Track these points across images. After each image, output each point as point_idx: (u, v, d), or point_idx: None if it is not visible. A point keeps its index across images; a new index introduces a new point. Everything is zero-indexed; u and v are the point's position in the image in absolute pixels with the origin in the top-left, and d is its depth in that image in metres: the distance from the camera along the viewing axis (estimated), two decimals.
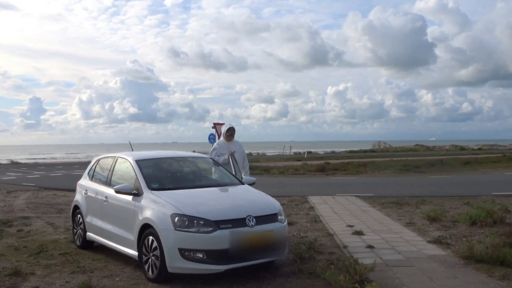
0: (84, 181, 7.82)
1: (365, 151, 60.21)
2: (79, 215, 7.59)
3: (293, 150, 59.37)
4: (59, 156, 69.03)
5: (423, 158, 33.97)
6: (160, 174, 6.73)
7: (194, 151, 10.43)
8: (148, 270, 5.58)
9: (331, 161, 30.51)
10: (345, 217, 9.72)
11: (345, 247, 7.00)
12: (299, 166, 25.80)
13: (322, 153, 57.31)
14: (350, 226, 8.62)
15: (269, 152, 67.66)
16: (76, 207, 7.73)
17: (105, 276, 5.86)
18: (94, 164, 7.85)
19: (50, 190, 16.61)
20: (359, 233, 7.89)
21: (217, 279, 5.52)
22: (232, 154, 7.78)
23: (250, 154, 51.95)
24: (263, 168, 25.05)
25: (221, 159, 7.90)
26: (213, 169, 7.25)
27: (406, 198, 12.85)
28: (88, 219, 7.28)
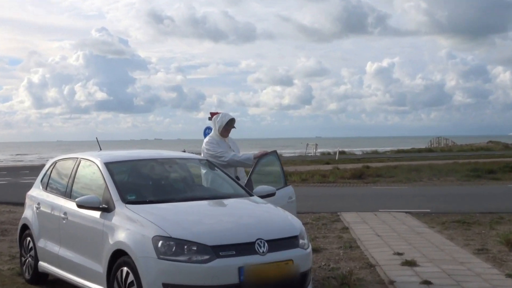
0: (36, 192, 7.87)
1: (419, 150, 59.93)
2: (28, 238, 7.64)
3: (320, 150, 59.30)
4: (2, 158, 69.72)
5: (499, 160, 33.74)
6: (138, 182, 6.74)
7: (184, 151, 10.46)
8: None
9: (372, 165, 30.42)
10: (392, 241, 9.70)
11: (392, 283, 7.00)
12: (328, 172, 25.76)
13: (360, 153, 57.16)
14: (398, 254, 8.61)
15: (287, 152, 67.59)
16: (25, 227, 7.78)
17: None
18: (49, 169, 7.90)
19: None
20: (411, 263, 7.88)
21: None
22: (261, 156, 7.67)
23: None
24: None
25: (241, 157, 7.61)
26: (210, 175, 7.26)
27: (476, 215, 12.79)
28: (41, 243, 7.32)
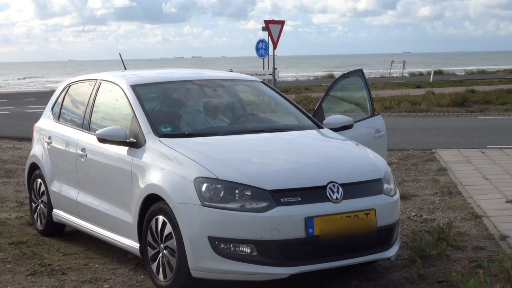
0: (46, 123, 8.07)
1: None
2: (39, 181, 7.90)
3: (408, 69, 58.42)
4: (1, 83, 71.61)
5: None
6: (174, 110, 6.82)
7: (231, 70, 10.53)
8: (158, 273, 5.77)
9: (478, 88, 29.85)
10: (504, 186, 9.69)
11: (505, 238, 7.02)
12: (420, 97, 25.44)
13: (462, 73, 56.02)
14: None
15: (365, 73, 66.00)
16: (34, 167, 8.04)
17: (86, 281, 6.11)
18: (61, 95, 8.06)
19: None
20: None
21: None
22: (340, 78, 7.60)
23: (330, 76, 51.73)
24: None
25: None
26: (265, 100, 7.26)
27: None
28: (55, 187, 7.56)
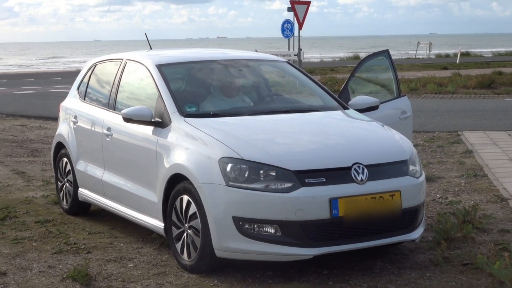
0: (72, 103, 8.12)
1: None
2: (65, 160, 7.96)
3: (435, 51, 57.97)
4: (28, 63, 72.20)
5: None
6: (200, 90, 6.83)
7: (256, 51, 10.52)
8: (182, 253, 5.81)
9: (505, 70, 29.53)
10: None
11: None
12: (446, 79, 25.27)
13: (489, 55, 55.45)
14: None
15: (391, 54, 65.63)
16: (60, 146, 8.10)
17: (111, 260, 6.17)
18: (87, 74, 8.09)
19: (16, 118, 17.50)
20: None
21: (298, 270, 5.66)
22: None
23: (356, 57, 51.43)
24: None
25: None
26: (291, 80, 7.24)
27: None
28: (81, 166, 7.62)
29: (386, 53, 7.68)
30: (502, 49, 68.46)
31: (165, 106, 6.23)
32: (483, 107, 18.00)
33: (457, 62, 41.24)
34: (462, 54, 47.87)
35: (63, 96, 8.91)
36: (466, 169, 9.71)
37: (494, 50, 67.96)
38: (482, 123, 14.64)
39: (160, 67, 6.67)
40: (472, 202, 7.82)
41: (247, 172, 5.36)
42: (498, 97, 20.99)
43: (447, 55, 52.84)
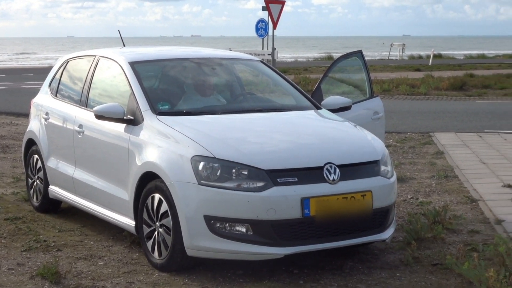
0: (44, 99, 8.04)
1: None
2: (36, 156, 7.89)
3: (408, 52, 58.34)
4: (0, 59, 71.42)
5: None
6: (172, 88, 6.81)
7: (230, 49, 10.51)
8: (153, 251, 5.78)
9: (477, 72, 29.84)
10: (501, 170, 9.69)
11: (500, 222, 7.04)
12: (419, 81, 25.43)
13: (461, 57, 55.91)
14: (509, 186, 8.65)
15: (365, 55, 65.89)
16: (31, 143, 8.02)
17: (81, 258, 6.13)
18: (59, 70, 8.03)
19: None
20: None
21: (269, 269, 5.66)
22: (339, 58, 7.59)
23: (329, 57, 51.59)
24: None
25: None
26: (264, 80, 7.24)
27: None
28: (52, 163, 7.55)
29: (359, 53, 7.71)
30: (474, 52, 69.02)
31: (137, 103, 6.20)
32: (455, 108, 18.16)
33: (430, 64, 41.53)
34: (435, 56, 48.25)
35: (35, 92, 8.82)
36: (437, 170, 9.76)
37: (466, 52, 68.50)
38: (454, 125, 14.76)
39: (133, 65, 6.63)
40: (442, 203, 7.86)
41: (219, 171, 5.34)
42: (470, 99, 21.18)
43: (420, 57, 53.20)
